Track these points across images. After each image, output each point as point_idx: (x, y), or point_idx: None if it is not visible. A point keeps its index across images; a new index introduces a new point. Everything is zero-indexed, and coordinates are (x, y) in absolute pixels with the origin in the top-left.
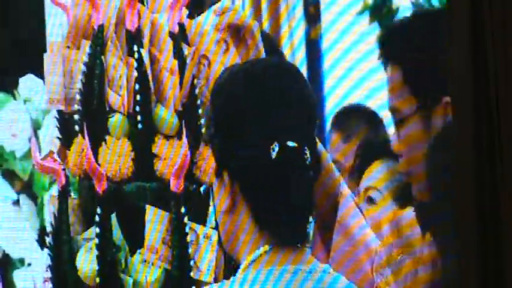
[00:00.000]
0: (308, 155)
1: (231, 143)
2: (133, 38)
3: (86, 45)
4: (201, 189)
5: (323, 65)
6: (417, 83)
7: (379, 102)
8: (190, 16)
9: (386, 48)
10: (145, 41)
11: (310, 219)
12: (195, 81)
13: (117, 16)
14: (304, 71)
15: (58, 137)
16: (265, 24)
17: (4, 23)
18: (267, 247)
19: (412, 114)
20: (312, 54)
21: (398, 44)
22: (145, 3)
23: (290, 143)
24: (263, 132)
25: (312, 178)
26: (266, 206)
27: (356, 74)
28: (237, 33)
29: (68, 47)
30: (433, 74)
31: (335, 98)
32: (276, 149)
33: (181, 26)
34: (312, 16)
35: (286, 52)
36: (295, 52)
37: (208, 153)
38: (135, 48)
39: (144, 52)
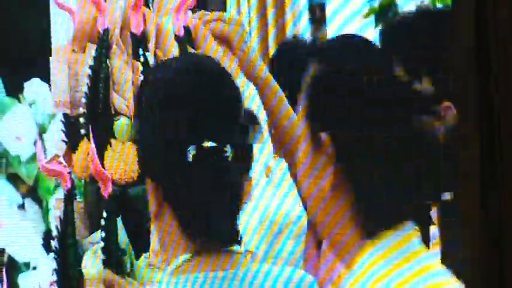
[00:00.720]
0: (230, 153)
1: (150, 147)
2: (139, 42)
3: (92, 49)
4: None
5: None
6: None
7: None
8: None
9: (386, 42)
10: (151, 44)
11: (238, 219)
12: None
13: (123, 19)
14: None
15: (64, 141)
16: (271, 31)
17: (9, 26)
18: (189, 255)
19: None
20: None
21: (397, 39)
22: (150, 7)
23: (207, 144)
24: (179, 134)
25: (235, 177)
26: (188, 210)
27: None
28: (223, 42)
29: (74, 50)
30: (434, 74)
31: None
32: (192, 151)
33: (186, 29)
34: (318, 20)
35: None
36: None
37: None
38: (141, 51)
39: (150, 55)
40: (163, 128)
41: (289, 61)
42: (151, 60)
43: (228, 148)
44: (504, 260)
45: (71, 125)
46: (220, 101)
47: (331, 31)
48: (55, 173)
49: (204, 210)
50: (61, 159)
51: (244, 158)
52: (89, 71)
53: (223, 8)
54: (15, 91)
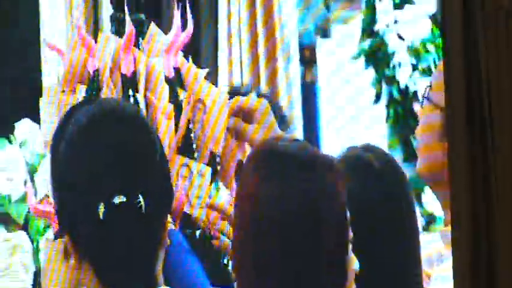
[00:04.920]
0: (142, 202)
1: (63, 205)
2: (129, 83)
3: (82, 90)
4: (197, 233)
5: (318, 109)
6: None
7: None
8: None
9: None
10: (141, 85)
11: (155, 265)
12: (190, 125)
13: (113, 60)
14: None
15: None
16: (263, 73)
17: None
18: None
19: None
20: (308, 96)
21: None
22: (141, 48)
23: (116, 200)
24: (88, 192)
25: (150, 226)
26: (103, 265)
27: (351, 119)
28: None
29: (64, 91)
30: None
31: (329, 138)
32: (102, 209)
33: (177, 70)
34: (309, 61)
35: (282, 92)
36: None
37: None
38: (131, 92)
39: (140, 96)
40: (71, 185)
41: None
42: (141, 101)
43: (139, 198)
44: (496, 265)
45: None
46: (128, 152)
47: (323, 72)
48: (45, 214)
49: (119, 263)
50: (51, 199)
51: (161, 202)
52: None
53: (214, 51)
54: (5, 132)
